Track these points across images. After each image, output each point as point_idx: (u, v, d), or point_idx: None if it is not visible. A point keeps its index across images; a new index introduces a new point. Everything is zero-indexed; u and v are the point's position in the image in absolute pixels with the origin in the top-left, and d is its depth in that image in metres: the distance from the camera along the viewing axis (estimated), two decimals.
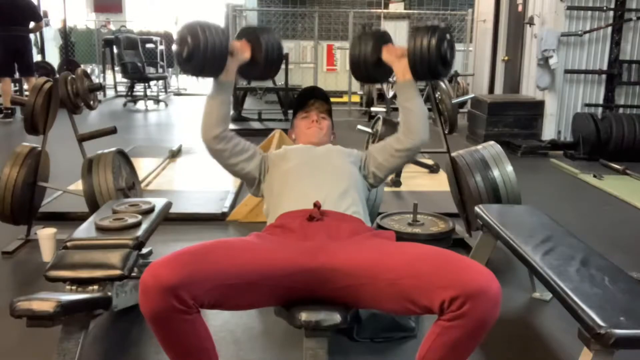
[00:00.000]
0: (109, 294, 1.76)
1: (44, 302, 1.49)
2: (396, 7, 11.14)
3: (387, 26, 10.85)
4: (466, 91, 7.96)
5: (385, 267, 1.44)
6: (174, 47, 1.79)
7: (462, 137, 6.29)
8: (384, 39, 1.97)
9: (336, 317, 1.45)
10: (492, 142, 2.83)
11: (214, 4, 15.17)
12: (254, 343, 2.02)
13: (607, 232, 3.32)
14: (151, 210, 2.17)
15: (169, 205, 2.34)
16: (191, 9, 16.99)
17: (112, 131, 3.14)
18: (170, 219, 2.35)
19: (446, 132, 3.08)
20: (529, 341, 2.07)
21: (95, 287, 1.73)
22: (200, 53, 1.72)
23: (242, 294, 1.45)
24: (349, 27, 8.60)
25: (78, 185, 3.06)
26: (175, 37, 1.79)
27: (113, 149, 2.85)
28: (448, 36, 1.84)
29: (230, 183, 3.99)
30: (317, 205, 1.70)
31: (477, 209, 2.33)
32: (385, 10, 10.95)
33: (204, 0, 17.31)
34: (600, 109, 5.83)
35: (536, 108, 5.88)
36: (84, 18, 14.29)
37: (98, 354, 1.92)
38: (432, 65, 1.82)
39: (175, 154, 5.09)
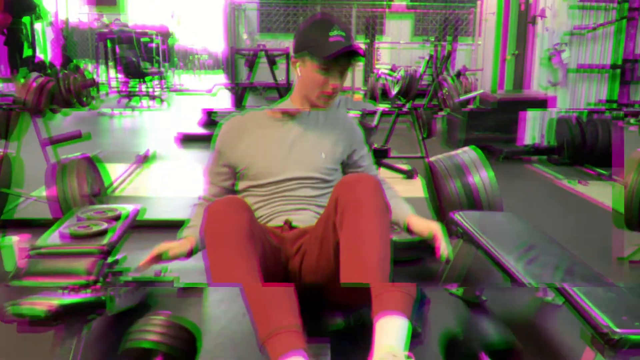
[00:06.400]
0: (103, 297, 1.69)
1: (37, 304, 1.46)
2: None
3: (390, 22, 10.78)
4: (470, 89, 7.83)
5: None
6: None
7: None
8: None
9: (336, 319, 1.44)
10: (466, 148, 2.78)
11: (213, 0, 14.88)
12: (253, 348, 1.95)
13: (592, 240, 3.28)
14: (119, 217, 2.10)
15: (140, 211, 2.28)
16: (189, 3, 16.58)
17: (77, 136, 3.04)
18: (145, 226, 2.29)
19: (423, 137, 3.05)
20: (529, 341, 2.03)
21: (89, 290, 1.67)
22: None
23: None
24: (352, 23, 8.55)
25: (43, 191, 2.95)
26: None
27: (78, 154, 2.77)
28: None
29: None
30: (287, 222, 1.73)
31: (454, 215, 2.21)
32: (389, 2, 10.88)
33: None
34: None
35: (543, 106, 5.81)
36: (76, 11, 13.92)
37: (97, 356, 1.86)
38: None
39: (148, 160, 5.01)
